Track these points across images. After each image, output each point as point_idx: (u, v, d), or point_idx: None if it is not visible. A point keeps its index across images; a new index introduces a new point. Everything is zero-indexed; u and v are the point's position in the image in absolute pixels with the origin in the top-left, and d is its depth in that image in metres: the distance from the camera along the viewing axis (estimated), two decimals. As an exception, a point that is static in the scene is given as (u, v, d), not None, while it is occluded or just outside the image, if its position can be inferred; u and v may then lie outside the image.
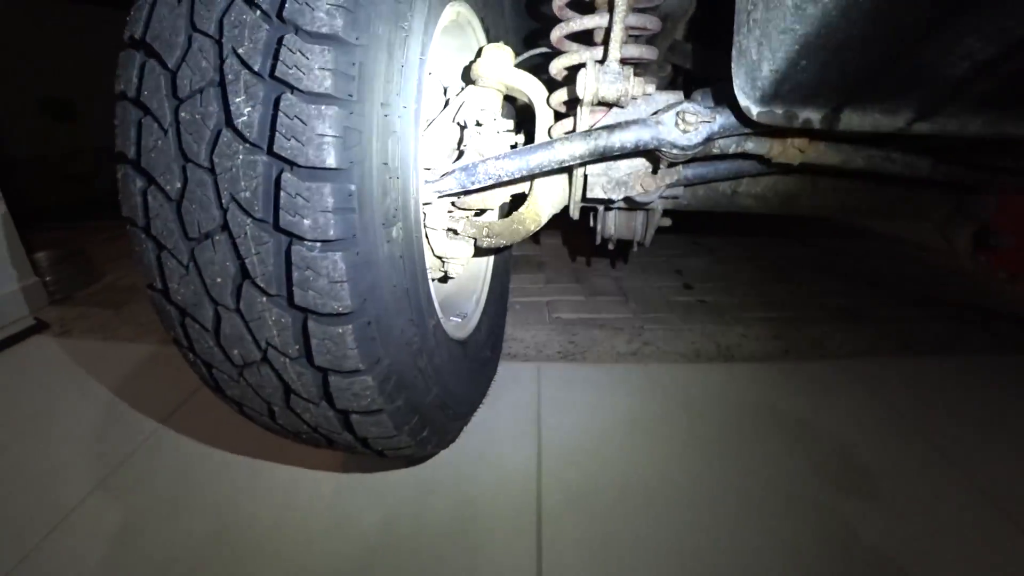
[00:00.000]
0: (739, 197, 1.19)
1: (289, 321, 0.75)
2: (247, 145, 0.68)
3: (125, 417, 1.45)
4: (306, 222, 0.68)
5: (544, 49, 1.29)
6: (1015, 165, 1.10)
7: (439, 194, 1.02)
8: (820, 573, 1.00)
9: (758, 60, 0.64)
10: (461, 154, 1.23)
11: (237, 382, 0.88)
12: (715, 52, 1.29)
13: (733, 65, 0.69)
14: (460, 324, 1.33)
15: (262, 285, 0.73)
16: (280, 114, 0.66)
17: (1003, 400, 1.59)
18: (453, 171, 1.00)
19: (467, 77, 1.25)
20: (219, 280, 0.76)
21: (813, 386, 1.63)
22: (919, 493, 1.20)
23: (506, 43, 1.54)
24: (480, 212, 1.27)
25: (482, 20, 1.35)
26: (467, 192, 1.08)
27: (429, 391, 0.96)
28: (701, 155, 0.92)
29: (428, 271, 0.97)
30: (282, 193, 0.67)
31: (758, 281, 2.53)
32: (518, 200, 1.22)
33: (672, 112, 0.81)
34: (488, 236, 1.18)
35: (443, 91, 1.33)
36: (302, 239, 0.69)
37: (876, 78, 0.67)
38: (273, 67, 0.66)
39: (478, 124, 1.17)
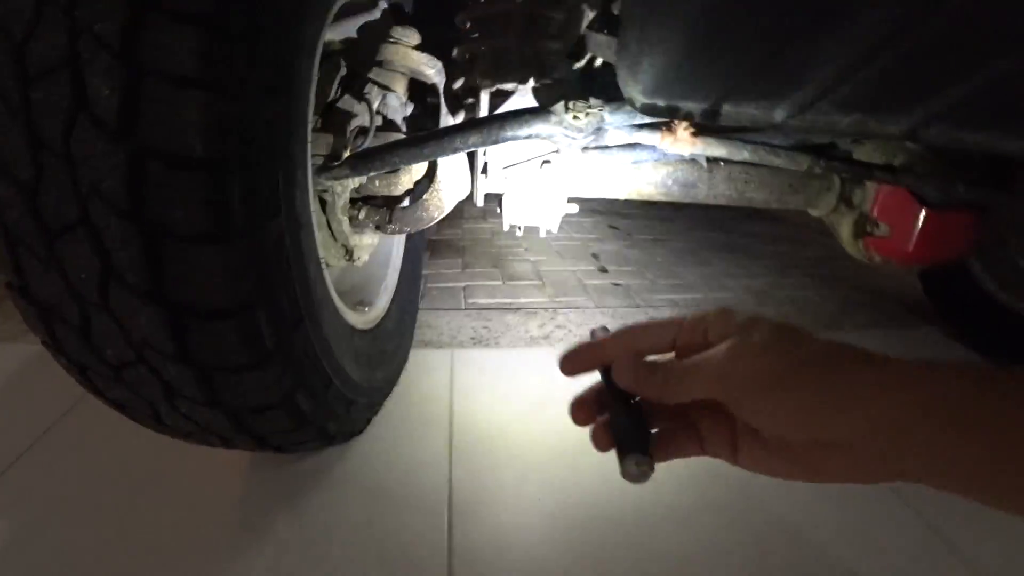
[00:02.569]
0: (640, 184, 1.23)
1: (164, 318, 0.71)
2: (107, 131, 0.63)
3: (3, 426, 1.34)
4: (176, 214, 0.64)
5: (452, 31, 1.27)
6: (885, 162, 1.19)
7: (335, 181, 0.99)
8: (727, 563, 1.07)
9: (638, 54, 0.66)
10: (362, 135, 1.20)
11: (115, 384, 0.83)
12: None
13: (617, 58, 0.70)
14: (367, 313, 1.31)
15: (131, 281, 0.68)
16: (143, 99, 0.61)
17: None
18: (348, 158, 0.97)
19: (372, 57, 1.21)
20: (83, 276, 0.70)
21: (715, 364, 1.72)
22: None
23: (414, 22, 1.51)
24: (386, 198, 1.24)
25: (387, -2, 1.31)
26: (364, 178, 1.05)
27: (328, 385, 0.94)
28: (596, 144, 0.94)
29: (323, 261, 0.94)
30: (149, 184, 0.63)
31: (670, 263, 2.63)
32: (424, 185, 1.21)
33: (564, 102, 0.82)
34: (392, 223, 1.16)
35: (345, 70, 1.28)
36: (173, 232, 0.65)
37: (748, 79, 0.70)
38: (134, 47, 0.62)
39: (379, 109, 1.14)
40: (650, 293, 2.24)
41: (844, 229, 1.76)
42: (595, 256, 2.62)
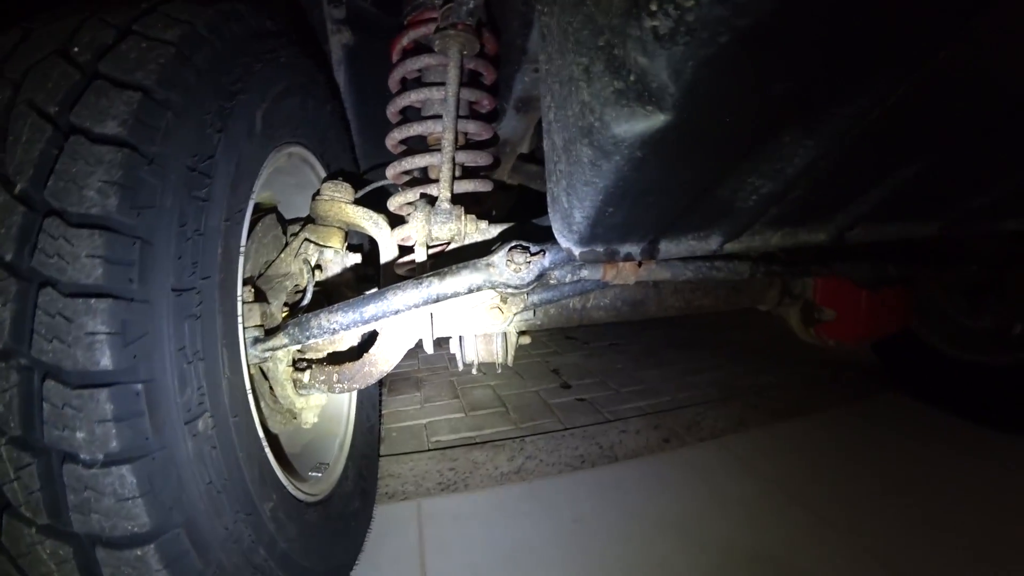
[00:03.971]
0: (590, 311, 1.22)
1: (70, 552, 0.61)
2: (-3, 349, 0.56)
3: None
4: (79, 435, 0.56)
5: (385, 182, 1.28)
6: (818, 260, 1.23)
7: (272, 351, 0.93)
8: None
9: (569, 208, 0.65)
10: (300, 294, 1.16)
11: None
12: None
13: (549, 211, 0.70)
14: (320, 479, 1.19)
15: (28, 515, 0.59)
16: (38, 312, 0.56)
17: (856, 447, 1.79)
18: (286, 327, 0.92)
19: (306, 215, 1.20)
20: (-30, 512, 0.60)
21: (694, 472, 1.66)
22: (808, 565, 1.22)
23: (352, 174, 1.53)
24: (332, 355, 1.18)
25: (320, 156, 1.32)
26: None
27: (274, 586, 0.82)
28: (541, 284, 0.92)
29: (264, 443, 0.85)
30: (45, 404, 0.56)
31: (631, 368, 2.61)
32: (371, 338, 1.16)
33: (503, 252, 0.81)
34: (340, 382, 1.09)
35: (282, 230, 1.26)
36: (76, 456, 0.56)
37: (681, 216, 0.71)
38: (31, 256, 0.57)
39: (318, 267, 1.11)
40: (617, 404, 2.18)
41: (793, 320, 1.80)
42: (556, 372, 2.58)
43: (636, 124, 0.49)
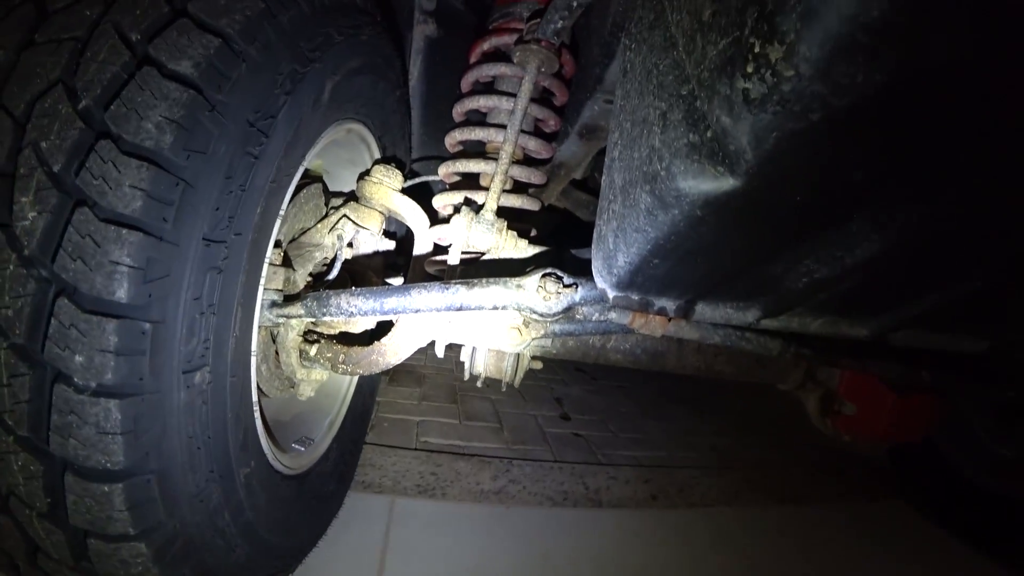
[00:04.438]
0: (608, 352, 1.19)
1: (40, 470, 0.60)
2: (20, 255, 0.56)
3: None
4: (78, 359, 0.56)
5: (433, 178, 1.28)
6: (851, 353, 1.19)
7: (285, 318, 0.92)
8: None
9: (614, 250, 0.64)
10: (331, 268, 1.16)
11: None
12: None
13: (592, 247, 0.68)
14: (302, 454, 1.18)
15: (9, 422, 0.59)
16: (70, 229, 0.56)
17: (847, 549, 1.73)
18: (305, 298, 0.91)
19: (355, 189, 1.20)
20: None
21: (676, 537, 1.61)
22: None
23: (404, 161, 1.54)
24: (343, 334, 1.18)
25: (379, 139, 1.32)
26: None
27: (231, 551, 0.81)
28: (566, 316, 0.90)
29: (255, 409, 0.84)
30: (54, 320, 0.55)
31: (635, 416, 2.56)
32: (385, 328, 1.15)
33: (535, 277, 0.79)
34: (344, 363, 1.08)
35: (324, 200, 1.27)
36: (69, 378, 0.56)
37: (725, 282, 0.69)
38: (76, 173, 0.57)
39: (350, 245, 1.11)
40: (612, 448, 2.14)
41: (812, 405, 1.74)
42: (558, 401, 2.54)
43: (703, 182, 0.47)
